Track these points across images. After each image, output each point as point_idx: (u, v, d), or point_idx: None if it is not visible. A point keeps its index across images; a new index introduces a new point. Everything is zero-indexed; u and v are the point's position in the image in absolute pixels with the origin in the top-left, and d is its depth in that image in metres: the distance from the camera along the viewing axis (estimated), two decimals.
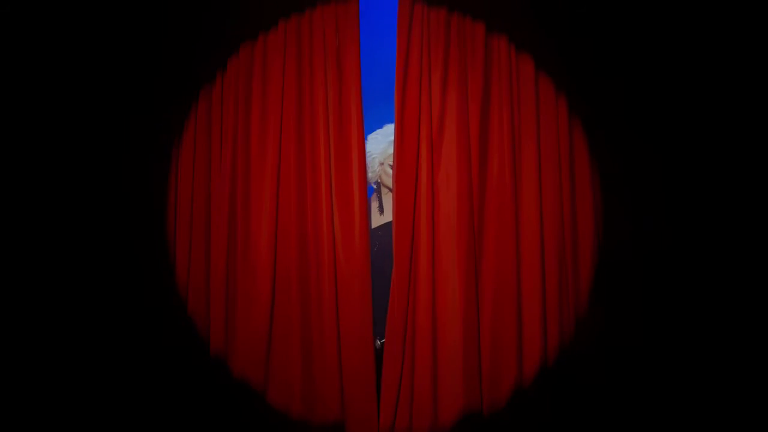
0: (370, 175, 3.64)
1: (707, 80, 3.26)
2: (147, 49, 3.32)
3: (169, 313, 3.36)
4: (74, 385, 3.24)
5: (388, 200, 3.64)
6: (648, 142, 3.30)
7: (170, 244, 3.41)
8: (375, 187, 3.68)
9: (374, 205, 3.67)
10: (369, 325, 3.32)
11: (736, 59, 3.23)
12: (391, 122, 3.54)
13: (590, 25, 3.27)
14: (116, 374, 3.27)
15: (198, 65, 3.38)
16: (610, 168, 3.35)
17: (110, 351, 3.27)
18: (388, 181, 3.60)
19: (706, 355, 3.28)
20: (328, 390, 3.33)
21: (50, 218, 3.27)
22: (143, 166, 3.35)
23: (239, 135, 3.39)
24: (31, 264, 3.25)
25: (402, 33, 3.34)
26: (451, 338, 3.29)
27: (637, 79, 3.28)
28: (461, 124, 3.34)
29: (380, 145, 3.61)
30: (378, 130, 3.64)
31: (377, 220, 3.65)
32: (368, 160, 3.60)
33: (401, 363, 3.31)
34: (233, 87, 3.40)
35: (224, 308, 3.35)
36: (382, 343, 3.51)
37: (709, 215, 3.29)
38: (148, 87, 3.32)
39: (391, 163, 3.55)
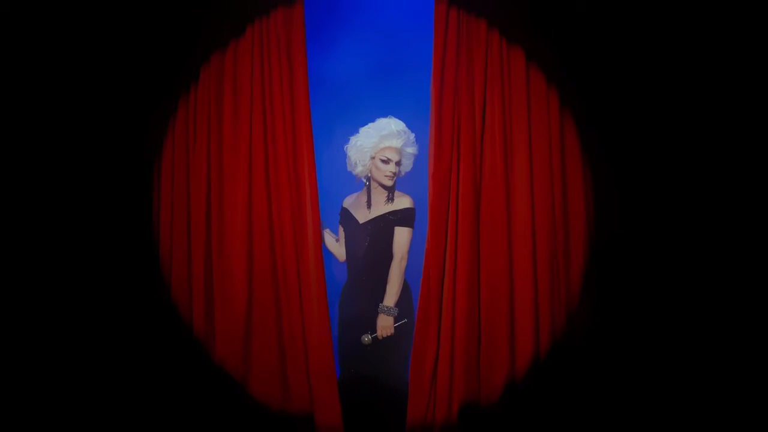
0: (360, 168, 3.62)
1: (699, 73, 3.30)
2: (130, 59, 3.35)
3: (154, 302, 3.37)
4: (62, 365, 3.25)
5: (376, 195, 3.63)
6: (639, 136, 3.32)
7: (155, 239, 3.43)
8: (366, 181, 3.65)
9: (363, 199, 3.65)
10: (327, 328, 3.33)
11: (728, 52, 3.28)
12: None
13: (581, 17, 3.32)
14: (98, 361, 3.27)
15: (177, 73, 3.42)
16: (601, 160, 3.36)
17: (94, 339, 3.28)
18: (379, 175, 3.58)
19: (696, 348, 3.27)
20: (300, 386, 3.34)
21: (50, 216, 3.31)
22: (133, 165, 3.40)
23: (212, 143, 3.39)
24: (28, 259, 3.28)
25: (438, 36, 3.33)
26: (459, 330, 3.30)
27: (628, 72, 3.32)
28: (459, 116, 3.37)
29: (372, 139, 3.56)
30: (370, 124, 3.60)
31: (365, 215, 3.62)
32: (359, 153, 3.60)
33: (435, 354, 3.31)
34: (206, 95, 3.41)
35: (203, 302, 3.36)
36: (373, 338, 3.48)
37: (700, 209, 3.30)
38: (133, 94, 3.36)
39: (383, 158, 3.56)
